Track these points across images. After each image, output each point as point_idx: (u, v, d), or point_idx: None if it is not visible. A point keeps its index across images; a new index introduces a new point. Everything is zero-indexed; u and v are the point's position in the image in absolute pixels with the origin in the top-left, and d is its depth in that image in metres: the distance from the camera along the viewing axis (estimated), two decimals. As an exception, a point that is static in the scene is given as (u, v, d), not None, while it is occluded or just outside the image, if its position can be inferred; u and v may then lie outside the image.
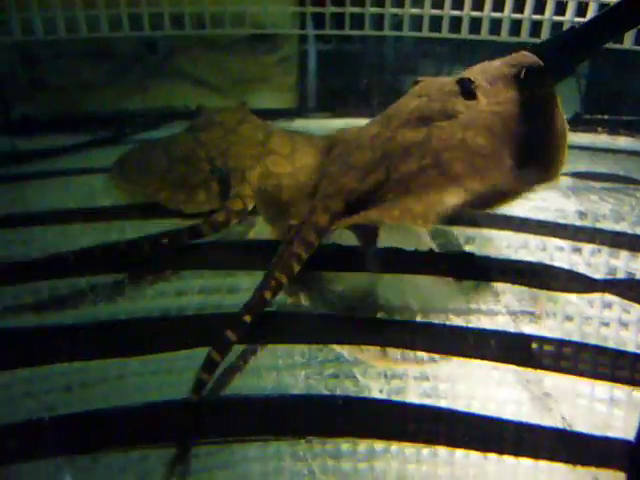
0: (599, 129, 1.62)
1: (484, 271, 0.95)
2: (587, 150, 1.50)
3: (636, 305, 0.88)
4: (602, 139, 1.58)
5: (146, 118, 1.64)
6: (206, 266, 0.98)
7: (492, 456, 0.63)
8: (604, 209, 1.18)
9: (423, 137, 0.91)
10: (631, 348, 0.79)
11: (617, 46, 1.55)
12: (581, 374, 0.74)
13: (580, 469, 0.61)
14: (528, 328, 0.81)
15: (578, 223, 1.12)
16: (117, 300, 0.89)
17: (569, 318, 0.85)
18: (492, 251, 1.01)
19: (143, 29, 1.56)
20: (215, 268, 0.98)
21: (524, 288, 0.91)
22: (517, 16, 1.60)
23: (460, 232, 1.07)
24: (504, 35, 1.63)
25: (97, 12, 1.50)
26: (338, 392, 0.71)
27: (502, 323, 0.82)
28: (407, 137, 0.92)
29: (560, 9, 1.58)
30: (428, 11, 1.62)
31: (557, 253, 1.02)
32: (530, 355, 0.77)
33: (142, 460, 0.62)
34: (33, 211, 1.17)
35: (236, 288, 0.92)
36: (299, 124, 1.60)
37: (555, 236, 1.07)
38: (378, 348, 0.78)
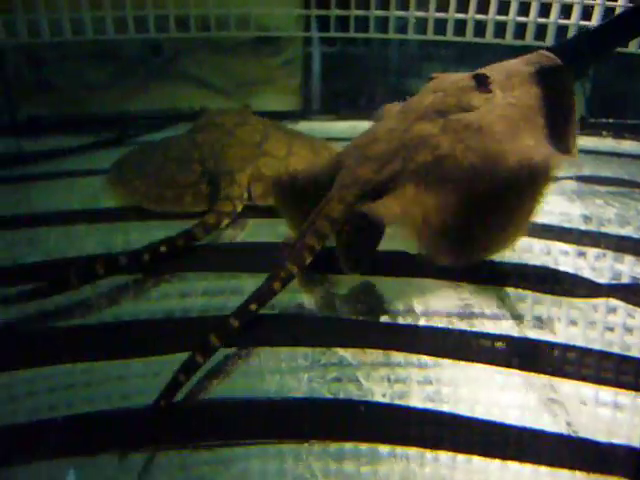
0: (604, 133, 1.62)
1: (488, 275, 0.95)
2: (592, 154, 1.50)
3: (641, 310, 0.88)
4: (607, 143, 1.58)
5: (150, 120, 1.65)
6: (209, 268, 0.98)
7: (495, 461, 0.62)
8: (609, 213, 1.17)
9: (439, 128, 0.91)
10: (635, 353, 0.79)
11: (622, 49, 1.55)
12: (585, 379, 0.74)
13: (584, 475, 0.61)
14: (532, 333, 0.81)
15: (583, 227, 1.12)
16: (120, 302, 0.89)
17: (573, 323, 0.84)
18: (496, 255, 1.01)
19: (149, 31, 1.57)
20: (218, 270, 0.98)
21: (528, 292, 0.90)
22: (522, 19, 1.60)
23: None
24: (509, 38, 1.63)
25: (103, 14, 1.51)
26: (341, 396, 0.70)
27: (506, 327, 0.82)
28: (423, 128, 0.92)
29: (565, 12, 1.58)
30: (433, 14, 1.62)
31: (561, 257, 1.02)
32: (534, 360, 0.76)
33: (143, 462, 0.62)
34: (38, 212, 1.17)
35: (240, 290, 0.92)
36: (303, 126, 1.60)
37: (560, 240, 1.07)
38: (381, 352, 0.78)
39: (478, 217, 0.85)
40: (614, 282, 0.95)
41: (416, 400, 0.70)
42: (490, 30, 1.62)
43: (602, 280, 0.95)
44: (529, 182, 0.83)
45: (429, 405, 0.69)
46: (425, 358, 0.76)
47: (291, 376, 0.74)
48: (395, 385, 0.72)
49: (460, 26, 1.63)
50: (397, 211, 0.85)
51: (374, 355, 0.77)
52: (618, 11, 1.52)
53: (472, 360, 0.76)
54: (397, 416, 0.68)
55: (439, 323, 0.83)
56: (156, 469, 0.61)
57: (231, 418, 0.68)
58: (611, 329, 0.84)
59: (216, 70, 1.93)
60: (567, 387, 0.72)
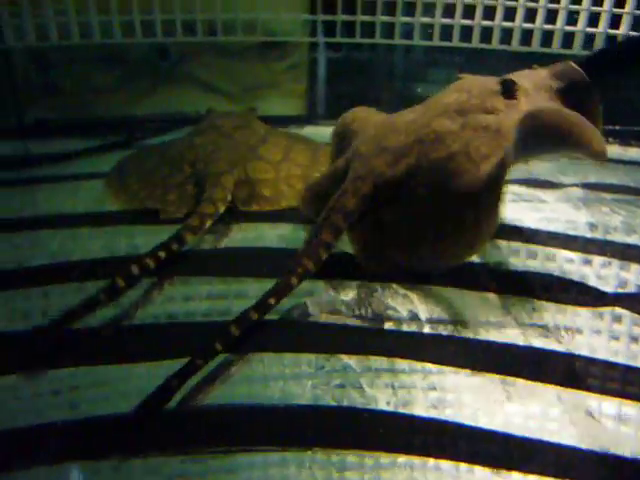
0: (610, 140, 1.61)
1: (493, 282, 0.94)
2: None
3: (647, 319, 0.87)
4: (613, 150, 1.57)
5: (157, 123, 1.65)
6: (206, 273, 0.98)
7: (499, 472, 0.62)
8: (615, 221, 1.17)
9: (458, 127, 0.91)
10: (641, 363, 0.78)
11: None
12: (589, 389, 0.73)
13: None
14: (537, 342, 0.80)
15: (589, 235, 1.11)
16: (124, 306, 0.89)
17: (578, 331, 0.84)
18: (501, 262, 1.01)
19: (156, 35, 1.57)
20: (220, 274, 0.98)
21: (533, 300, 0.90)
22: (528, 26, 1.60)
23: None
24: (515, 44, 1.62)
25: (110, 18, 1.51)
26: (345, 403, 0.70)
27: (511, 336, 0.81)
28: (442, 125, 0.92)
29: (572, 20, 1.58)
30: (439, 20, 1.62)
31: (567, 265, 1.02)
32: (539, 369, 0.76)
33: (143, 468, 0.62)
34: (43, 215, 1.18)
35: (244, 294, 0.92)
36: (309, 131, 1.60)
37: (565, 248, 1.06)
38: (385, 359, 0.77)
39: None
40: (620, 291, 0.94)
41: (420, 408, 0.69)
42: (496, 36, 1.62)
43: (608, 288, 0.94)
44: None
45: (433, 414, 0.69)
46: (430, 366, 0.76)
47: (295, 382, 0.74)
48: (399, 393, 0.72)
49: (466, 32, 1.63)
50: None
51: (378, 362, 0.77)
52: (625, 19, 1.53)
53: (477, 369, 0.75)
54: (401, 424, 0.68)
55: (444, 331, 0.83)
56: (157, 476, 0.61)
57: (234, 425, 0.68)
58: (616, 338, 0.84)
59: (222, 74, 1.94)
60: (572, 397, 0.72)
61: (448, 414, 0.69)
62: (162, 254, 0.94)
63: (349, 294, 0.91)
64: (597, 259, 1.04)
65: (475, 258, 1.01)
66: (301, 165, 1.23)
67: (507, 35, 1.62)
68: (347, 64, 1.96)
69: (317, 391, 0.72)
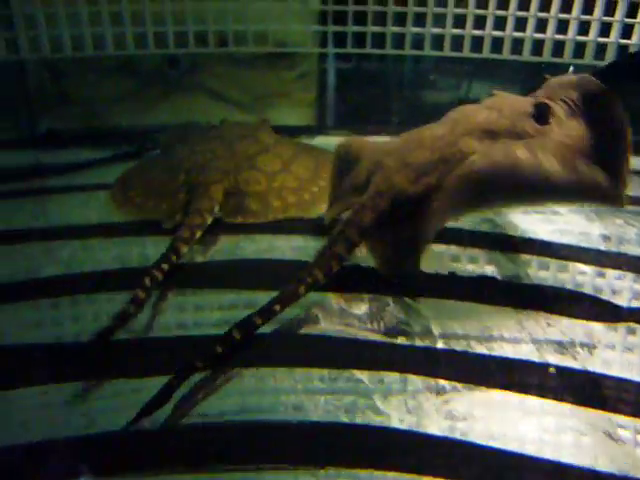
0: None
1: (506, 296, 0.93)
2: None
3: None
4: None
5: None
6: (222, 284, 0.98)
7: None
8: (629, 233, 1.16)
9: (486, 149, 0.90)
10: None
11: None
12: (606, 408, 0.72)
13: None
14: (553, 358, 0.79)
15: (602, 247, 1.10)
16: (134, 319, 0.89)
17: (594, 347, 0.83)
18: (514, 275, 1.00)
19: (168, 46, 1.58)
20: (231, 286, 0.98)
21: (547, 314, 0.89)
22: (539, 36, 1.60)
23: (482, 255, 1.06)
24: (526, 55, 1.62)
25: (124, 30, 1.52)
26: (358, 420, 0.70)
27: (526, 352, 0.80)
28: (469, 145, 0.91)
29: (583, 30, 1.58)
30: (450, 30, 1.62)
31: (580, 278, 1.01)
32: (555, 387, 0.75)
33: None
34: (54, 225, 1.18)
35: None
36: (320, 141, 1.59)
37: (578, 260, 1.05)
38: (398, 375, 0.77)
39: None
40: (634, 305, 0.93)
41: (434, 427, 0.69)
42: (507, 47, 1.62)
43: (622, 302, 0.93)
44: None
45: (447, 433, 0.68)
46: (444, 382, 0.75)
47: (307, 398, 0.73)
48: (413, 410, 0.71)
49: (477, 42, 1.63)
50: None
51: (391, 378, 0.76)
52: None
53: (492, 386, 0.75)
54: (415, 443, 0.67)
55: (457, 346, 0.82)
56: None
57: (244, 440, 0.68)
58: (631, 352, 0.83)
59: (232, 83, 1.95)
60: (590, 416, 0.71)
61: (462, 433, 0.68)
62: (165, 266, 0.94)
63: (361, 307, 0.91)
64: (611, 272, 1.03)
65: (488, 270, 1.01)
66: (300, 178, 1.21)
67: (518, 45, 1.62)
68: (357, 74, 1.97)
69: (330, 407, 0.71)
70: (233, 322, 0.79)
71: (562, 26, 1.58)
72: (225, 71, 1.91)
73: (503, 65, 1.67)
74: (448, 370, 0.78)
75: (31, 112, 1.73)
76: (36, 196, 1.31)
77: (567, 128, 0.93)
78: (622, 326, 0.88)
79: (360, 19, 1.63)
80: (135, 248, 1.10)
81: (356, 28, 1.63)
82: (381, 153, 1.00)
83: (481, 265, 1.03)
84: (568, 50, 1.59)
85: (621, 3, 1.52)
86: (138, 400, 0.69)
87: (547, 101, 0.96)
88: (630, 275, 1.02)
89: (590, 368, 0.78)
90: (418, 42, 1.66)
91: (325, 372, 0.77)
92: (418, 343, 0.83)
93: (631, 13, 1.54)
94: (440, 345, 0.82)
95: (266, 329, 0.83)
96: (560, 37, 1.59)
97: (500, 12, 1.59)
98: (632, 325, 0.88)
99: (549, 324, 0.87)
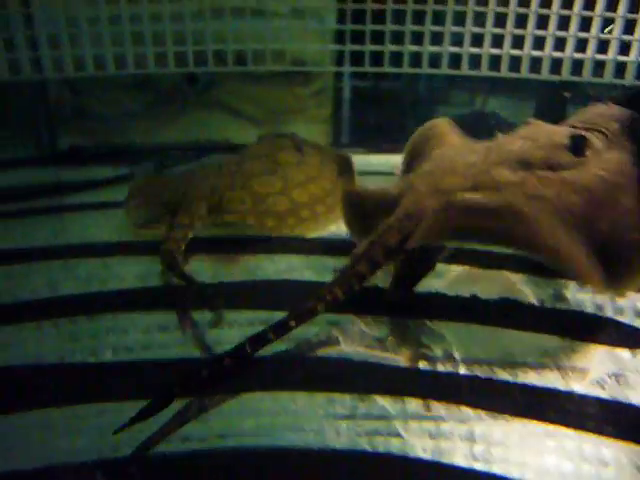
0: None
1: (529, 320, 0.92)
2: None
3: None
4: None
5: (186, 150, 1.67)
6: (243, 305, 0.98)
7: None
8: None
9: (518, 179, 0.89)
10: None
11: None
12: (634, 438, 0.71)
13: None
14: (579, 386, 0.78)
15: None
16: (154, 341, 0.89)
17: (621, 375, 0.81)
18: (535, 298, 0.99)
19: (188, 65, 1.60)
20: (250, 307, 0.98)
21: (572, 340, 0.88)
22: (558, 54, 1.59)
23: (504, 278, 1.05)
24: (545, 73, 1.62)
25: (144, 49, 1.54)
26: (381, 449, 0.69)
27: (551, 379, 0.79)
28: (502, 175, 0.90)
29: (602, 48, 1.57)
30: (467, 49, 1.62)
31: (601, 300, 0.99)
32: (581, 416, 0.73)
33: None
34: (74, 243, 1.19)
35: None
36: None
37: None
38: (421, 401, 0.76)
39: None
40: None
41: (459, 457, 0.67)
42: (525, 65, 1.61)
43: (648, 328, 0.92)
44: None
45: (472, 463, 0.67)
46: (467, 410, 0.74)
47: (329, 424, 0.72)
48: (436, 439, 0.70)
49: (495, 60, 1.63)
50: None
51: (414, 405, 0.75)
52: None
53: (517, 415, 0.73)
54: (439, 474, 0.66)
55: (480, 372, 0.81)
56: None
57: (262, 466, 0.67)
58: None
59: (248, 99, 1.96)
60: (620, 450, 0.69)
61: (487, 464, 0.67)
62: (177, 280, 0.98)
63: (382, 330, 0.90)
64: (633, 294, 1.01)
65: (510, 294, 1.00)
66: (296, 202, 1.21)
67: (537, 63, 1.62)
68: (372, 91, 1.98)
69: (352, 435, 0.71)
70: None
71: (581, 44, 1.58)
72: (241, 88, 1.92)
73: (519, 80, 1.66)
74: (471, 397, 0.76)
75: (52, 129, 1.75)
76: (55, 214, 1.33)
77: (604, 161, 0.91)
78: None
79: (377, 38, 1.63)
80: (155, 266, 1.10)
81: (373, 47, 1.63)
82: (413, 175, 1.00)
83: (503, 288, 1.01)
84: (587, 69, 1.58)
85: (641, 22, 1.51)
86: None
87: (584, 133, 0.95)
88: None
89: (619, 397, 0.77)
90: (435, 60, 1.66)
91: (346, 397, 0.77)
92: (440, 368, 0.82)
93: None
94: (463, 371, 0.81)
95: (284, 349, 0.83)
96: (579, 55, 1.58)
97: (518, 31, 1.58)
98: (658, 351, 0.87)
99: (573, 350, 0.86)
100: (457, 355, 0.84)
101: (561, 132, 0.96)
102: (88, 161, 1.58)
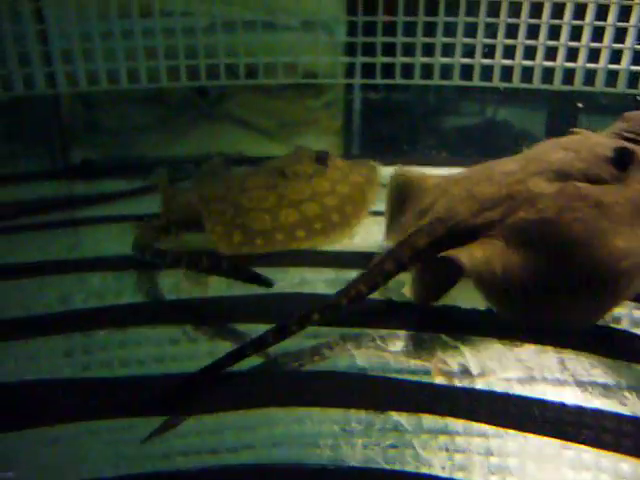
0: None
1: (547, 335, 0.91)
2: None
3: None
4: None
5: (198, 163, 1.68)
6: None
7: None
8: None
9: (555, 191, 0.88)
10: None
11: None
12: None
13: None
14: (598, 402, 0.76)
15: None
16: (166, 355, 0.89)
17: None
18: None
19: (200, 79, 1.61)
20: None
21: (590, 355, 0.86)
22: (570, 65, 1.59)
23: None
24: (557, 84, 1.61)
25: (157, 63, 1.56)
26: (397, 466, 0.67)
27: (570, 395, 0.78)
28: (538, 186, 0.89)
29: (615, 58, 1.56)
30: (479, 60, 1.62)
31: (617, 313, 0.97)
32: (603, 434, 0.72)
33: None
34: (87, 257, 1.19)
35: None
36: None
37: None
38: (438, 417, 0.75)
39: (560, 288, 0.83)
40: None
41: (477, 475, 0.66)
42: (538, 76, 1.61)
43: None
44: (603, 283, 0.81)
45: (490, 479, 0.65)
46: (485, 426, 0.73)
47: (345, 441, 0.71)
48: (454, 456, 0.69)
49: (506, 71, 1.63)
50: (480, 262, 0.83)
51: (430, 421, 0.74)
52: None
53: (536, 431, 0.72)
54: (458, 492, 0.65)
55: (497, 387, 0.80)
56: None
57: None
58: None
59: (259, 111, 1.97)
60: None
61: (507, 481, 0.65)
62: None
63: (397, 345, 0.89)
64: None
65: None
66: (279, 223, 1.17)
67: (549, 74, 1.61)
68: (383, 102, 1.98)
69: (368, 452, 0.70)
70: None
71: (593, 55, 1.57)
72: (252, 100, 1.94)
73: (531, 91, 1.66)
74: (489, 413, 0.75)
75: (64, 143, 1.77)
76: (68, 228, 1.33)
77: None
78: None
79: (388, 50, 1.64)
80: (168, 280, 1.10)
81: (385, 59, 1.63)
82: (449, 181, 0.99)
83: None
84: (600, 79, 1.58)
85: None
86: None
87: (629, 145, 0.93)
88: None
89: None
90: (446, 71, 1.66)
91: (362, 413, 0.76)
92: (457, 383, 0.81)
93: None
94: (480, 386, 0.80)
95: (299, 363, 0.83)
96: (592, 66, 1.57)
97: (530, 42, 1.58)
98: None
99: (592, 365, 0.84)
100: (473, 369, 0.83)
101: (605, 144, 0.94)
102: (100, 174, 1.58)
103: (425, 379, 0.82)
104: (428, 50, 1.63)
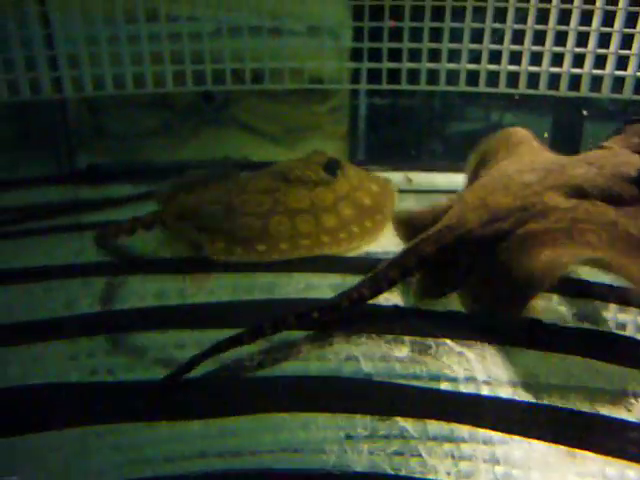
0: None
1: (554, 341, 0.90)
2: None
3: None
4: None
5: (204, 168, 1.68)
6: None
7: None
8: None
9: (570, 206, 0.87)
10: None
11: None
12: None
13: None
14: (604, 409, 0.76)
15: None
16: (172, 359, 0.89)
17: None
18: (558, 318, 0.97)
19: (206, 84, 1.61)
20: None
21: (596, 362, 0.86)
22: (577, 71, 1.58)
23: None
24: (563, 90, 1.61)
25: (163, 68, 1.56)
26: (403, 472, 0.67)
27: (575, 402, 0.77)
28: (553, 200, 0.88)
29: (622, 64, 1.56)
30: (485, 66, 1.62)
31: (622, 318, 0.97)
32: (609, 441, 0.71)
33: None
34: (93, 261, 1.19)
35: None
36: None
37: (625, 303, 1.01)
38: (444, 423, 0.74)
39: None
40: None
41: (483, 480, 0.66)
42: (544, 82, 1.61)
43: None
44: None
45: (498, 488, 0.65)
46: (491, 433, 0.72)
47: (350, 447, 0.71)
48: (460, 463, 0.68)
49: (512, 77, 1.62)
50: None
51: (436, 427, 0.74)
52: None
53: (541, 438, 0.71)
54: (464, 499, 0.64)
55: (503, 393, 0.79)
56: None
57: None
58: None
59: (265, 116, 1.97)
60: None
61: (514, 489, 0.65)
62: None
63: (402, 350, 0.89)
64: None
65: (530, 315, 0.98)
66: (268, 231, 1.14)
67: (555, 80, 1.61)
68: (388, 107, 1.98)
69: (374, 457, 0.69)
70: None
71: (600, 61, 1.57)
72: (258, 105, 1.94)
73: (537, 97, 1.66)
74: (495, 419, 0.75)
75: (70, 147, 1.78)
76: (73, 232, 1.33)
77: None
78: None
79: (394, 55, 1.64)
80: (174, 284, 1.10)
81: (390, 64, 1.64)
82: (469, 188, 1.00)
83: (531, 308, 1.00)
84: (606, 85, 1.57)
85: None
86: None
87: None
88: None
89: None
90: (452, 77, 1.66)
91: (368, 419, 0.75)
92: (462, 389, 0.80)
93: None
94: (485, 392, 0.80)
95: (303, 368, 0.83)
96: (598, 72, 1.57)
97: (536, 48, 1.58)
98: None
99: (598, 371, 0.84)
100: (479, 376, 0.83)
101: (632, 162, 0.93)
102: (106, 179, 1.59)
103: (431, 385, 0.81)
104: (434, 56, 1.63)
